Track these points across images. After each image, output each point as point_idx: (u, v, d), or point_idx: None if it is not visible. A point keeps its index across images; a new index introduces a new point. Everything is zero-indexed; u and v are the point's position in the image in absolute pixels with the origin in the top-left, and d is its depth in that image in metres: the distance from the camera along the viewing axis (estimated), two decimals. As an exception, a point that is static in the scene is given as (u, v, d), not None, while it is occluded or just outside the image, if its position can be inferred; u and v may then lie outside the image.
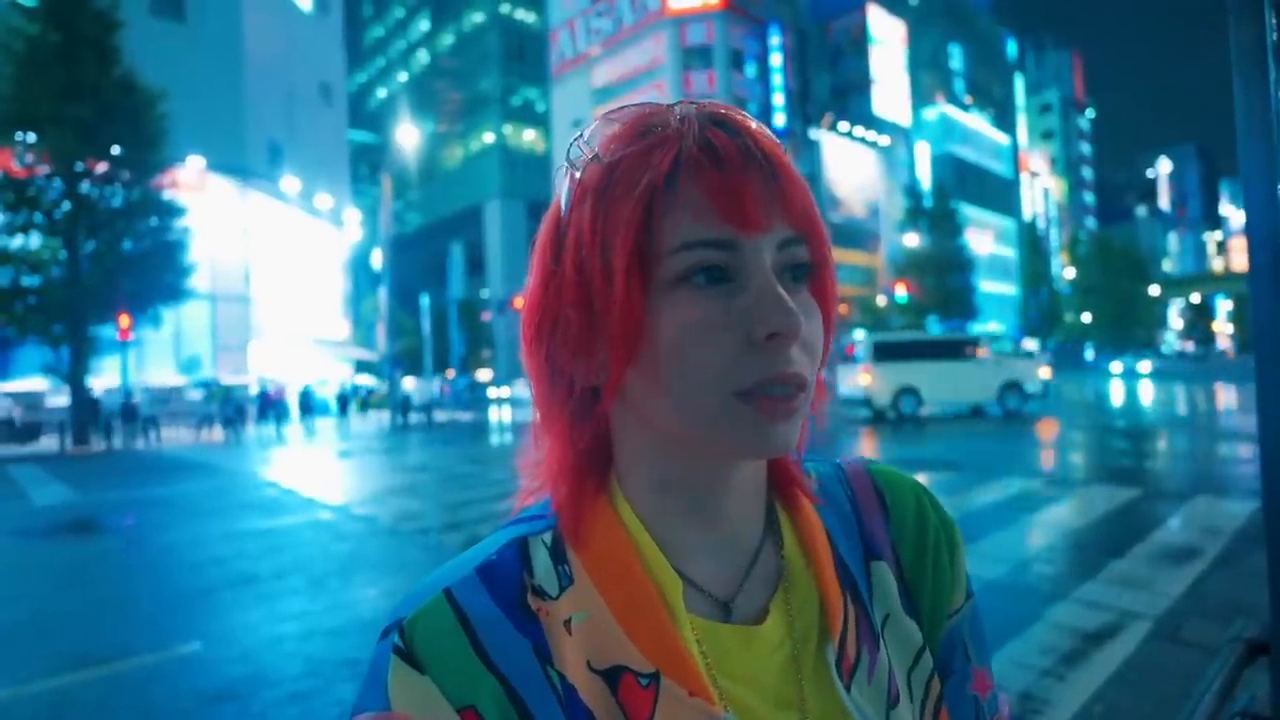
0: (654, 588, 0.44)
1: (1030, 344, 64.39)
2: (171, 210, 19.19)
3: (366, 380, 35.97)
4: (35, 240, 17.44)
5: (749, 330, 0.40)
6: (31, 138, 16.66)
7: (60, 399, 20.37)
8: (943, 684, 0.52)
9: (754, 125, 0.44)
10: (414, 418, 23.82)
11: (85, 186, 17.56)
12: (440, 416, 26.19)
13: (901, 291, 40.71)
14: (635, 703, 0.42)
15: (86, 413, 18.51)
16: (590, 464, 0.47)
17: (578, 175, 0.44)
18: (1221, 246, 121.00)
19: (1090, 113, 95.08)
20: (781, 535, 0.50)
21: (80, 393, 18.26)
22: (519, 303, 0.47)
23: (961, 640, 0.53)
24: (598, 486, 0.47)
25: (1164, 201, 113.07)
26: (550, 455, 0.48)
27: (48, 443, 19.17)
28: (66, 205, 17.33)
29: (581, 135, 0.45)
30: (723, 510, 0.46)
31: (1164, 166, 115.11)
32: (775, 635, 0.46)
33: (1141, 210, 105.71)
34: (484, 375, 51.39)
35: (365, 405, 26.66)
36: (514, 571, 0.45)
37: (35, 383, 21.91)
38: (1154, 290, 68.29)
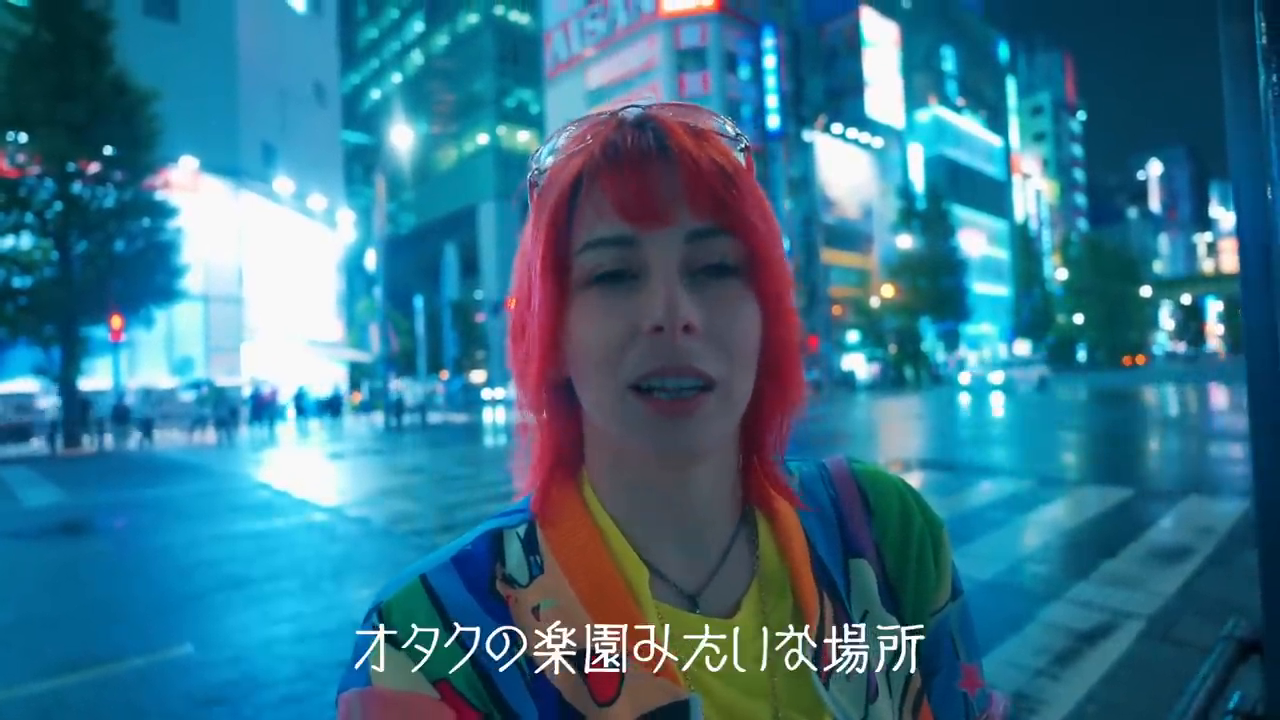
0: (620, 575, 0.46)
1: (1023, 346, 64.81)
2: (164, 211, 19.12)
3: (337, 384, 34.93)
4: (27, 241, 17.37)
5: (638, 322, 0.41)
6: (23, 138, 16.58)
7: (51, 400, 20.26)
8: (928, 679, 0.52)
9: (675, 124, 0.44)
10: (407, 419, 23.80)
11: (77, 187, 17.50)
12: (434, 418, 26.13)
13: (889, 293, 40.83)
14: (601, 684, 0.43)
15: (78, 414, 18.42)
16: (565, 456, 0.50)
17: (537, 183, 0.47)
18: (1212, 248, 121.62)
19: (1081, 115, 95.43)
20: (756, 532, 0.50)
21: (71, 394, 18.16)
22: (512, 304, 0.50)
23: (949, 637, 0.53)
24: (569, 477, 0.50)
25: (1155, 203, 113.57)
26: (533, 449, 0.50)
27: (38, 444, 19.09)
28: (58, 206, 17.27)
29: (541, 146, 0.47)
30: (687, 504, 0.47)
31: (1154, 169, 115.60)
32: (747, 628, 0.47)
33: (1133, 212, 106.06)
34: (478, 377, 51.31)
35: (331, 408, 25.28)
36: (486, 561, 0.47)
37: (26, 384, 21.77)
38: (1145, 291, 68.63)
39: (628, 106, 0.46)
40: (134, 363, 25.58)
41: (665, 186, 0.42)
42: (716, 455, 0.47)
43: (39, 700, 3.42)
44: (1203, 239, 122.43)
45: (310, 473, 12.53)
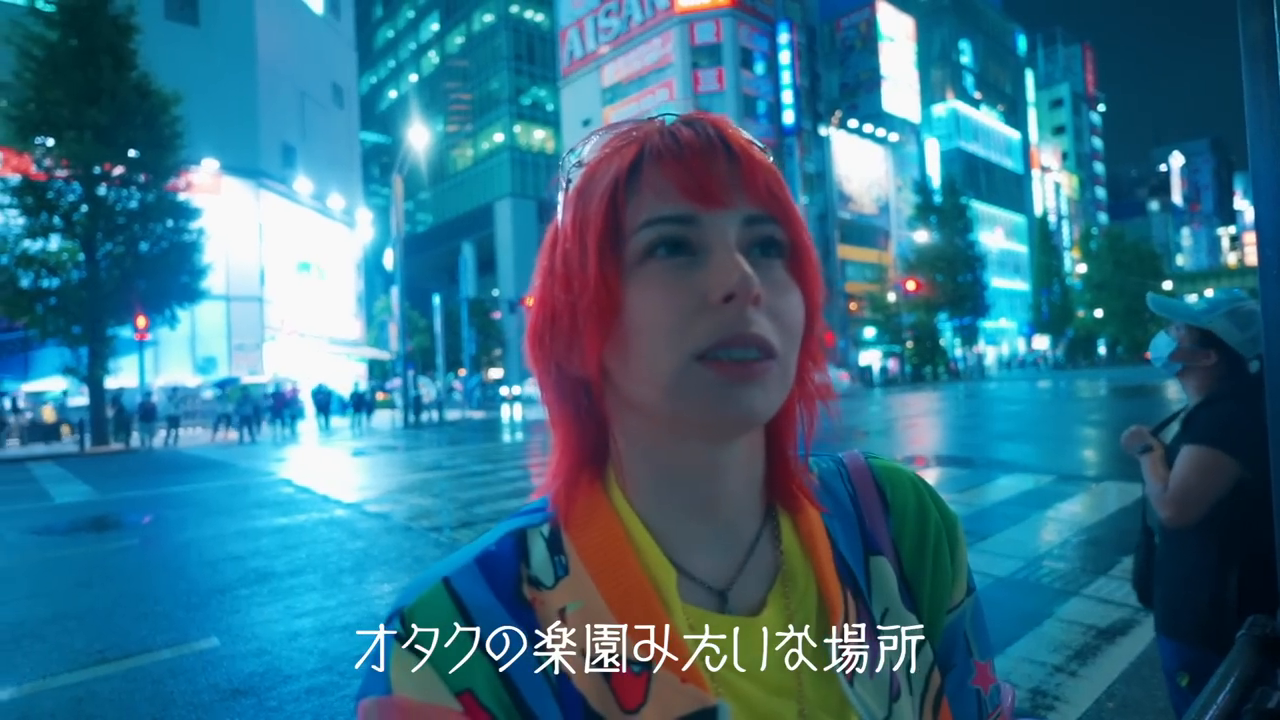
0: (648, 577, 0.45)
1: (1042, 341, 64.04)
2: (187, 212, 19.35)
3: (357, 380, 34.25)
4: (54, 243, 17.64)
5: (705, 293, 0.42)
6: (50, 142, 16.83)
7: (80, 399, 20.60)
8: (943, 677, 0.52)
9: (726, 125, 0.46)
10: (424, 416, 24.07)
11: (103, 189, 17.73)
12: (452, 415, 26.28)
13: (911, 288, 40.51)
14: (628, 690, 0.43)
15: (105, 412, 18.73)
16: (589, 455, 0.49)
17: (569, 185, 0.47)
18: (1236, 241, 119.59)
19: (1102, 107, 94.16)
20: (780, 529, 0.50)
21: (99, 393, 18.47)
22: (529, 301, 0.50)
23: (963, 634, 0.54)
24: (594, 477, 0.49)
25: (1177, 196, 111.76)
26: (555, 449, 0.50)
27: (67, 441, 19.42)
28: (84, 208, 17.51)
29: (573, 149, 0.48)
30: (716, 500, 0.47)
31: (1176, 161, 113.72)
32: (773, 626, 0.47)
33: (1154, 205, 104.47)
34: (495, 374, 51.52)
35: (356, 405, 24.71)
36: (511, 562, 0.46)
37: (55, 383, 22.16)
38: (1167, 285, 67.57)
39: (663, 115, 0.47)
40: (159, 362, 25.94)
41: (726, 172, 0.44)
42: (747, 446, 0.47)
43: (71, 690, 3.51)
44: (1226, 232, 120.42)
45: (331, 469, 12.66)
